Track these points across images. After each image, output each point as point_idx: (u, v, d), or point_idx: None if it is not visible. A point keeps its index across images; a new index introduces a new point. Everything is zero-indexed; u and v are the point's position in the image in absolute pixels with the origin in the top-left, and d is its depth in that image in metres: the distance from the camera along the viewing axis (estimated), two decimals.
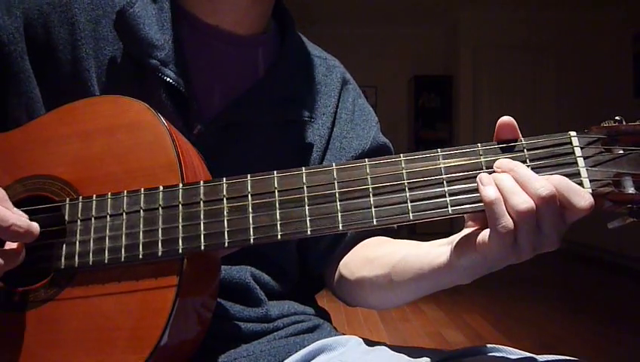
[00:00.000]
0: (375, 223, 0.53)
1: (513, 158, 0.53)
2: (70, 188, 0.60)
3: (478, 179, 0.52)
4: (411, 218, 0.53)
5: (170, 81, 0.68)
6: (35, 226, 0.56)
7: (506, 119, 0.54)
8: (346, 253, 0.77)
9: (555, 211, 0.50)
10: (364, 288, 0.72)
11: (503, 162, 0.52)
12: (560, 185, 0.50)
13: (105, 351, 0.55)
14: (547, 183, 0.50)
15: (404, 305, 0.72)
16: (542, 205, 0.49)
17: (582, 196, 0.49)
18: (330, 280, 0.79)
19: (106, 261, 0.57)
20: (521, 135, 0.55)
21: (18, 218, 0.55)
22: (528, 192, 0.50)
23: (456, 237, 0.57)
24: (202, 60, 0.74)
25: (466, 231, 0.56)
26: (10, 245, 0.56)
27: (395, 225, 0.79)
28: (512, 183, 0.51)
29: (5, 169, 0.63)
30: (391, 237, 0.78)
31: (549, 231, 0.50)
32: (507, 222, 0.50)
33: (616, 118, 0.53)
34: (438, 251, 0.59)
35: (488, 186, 0.51)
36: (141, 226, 0.57)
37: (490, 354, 0.63)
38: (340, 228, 0.54)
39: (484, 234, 0.52)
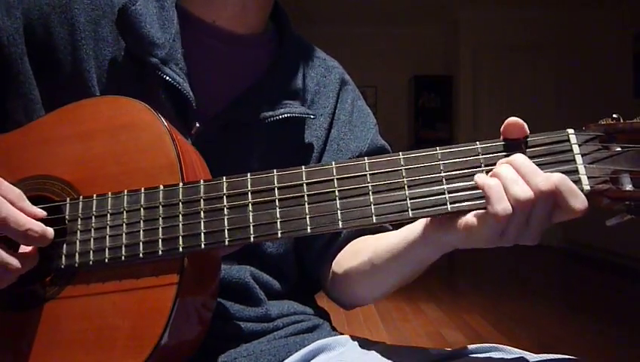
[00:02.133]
0: (374, 221, 0.53)
1: (512, 155, 0.53)
2: (71, 188, 0.60)
3: (475, 177, 0.53)
4: (410, 215, 0.53)
5: (170, 80, 0.68)
6: (50, 231, 0.57)
7: (512, 121, 0.55)
8: (339, 252, 0.77)
9: (548, 207, 0.51)
10: (352, 279, 0.73)
11: (511, 158, 0.53)
12: (560, 184, 0.50)
13: (104, 350, 0.55)
14: (547, 178, 0.50)
15: (389, 292, 0.72)
16: (539, 199, 0.50)
17: (579, 198, 0.50)
18: (325, 281, 0.79)
19: (106, 260, 0.57)
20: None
21: (34, 222, 0.56)
22: (529, 184, 0.50)
23: None
24: (202, 59, 0.74)
25: None
26: (24, 249, 0.57)
27: (390, 226, 0.80)
28: (512, 173, 0.51)
29: (5, 170, 0.63)
30: None
31: (536, 225, 0.51)
32: (507, 205, 0.50)
33: (614, 115, 0.53)
34: (412, 227, 0.62)
35: (487, 178, 0.52)
36: (141, 225, 0.57)
37: (490, 353, 0.63)
38: (340, 225, 0.54)
39: (472, 218, 0.53)
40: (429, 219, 0.58)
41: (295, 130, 0.77)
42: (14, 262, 0.54)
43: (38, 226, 0.56)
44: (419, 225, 0.61)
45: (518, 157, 0.52)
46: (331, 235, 0.77)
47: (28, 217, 0.56)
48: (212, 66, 0.74)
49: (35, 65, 0.70)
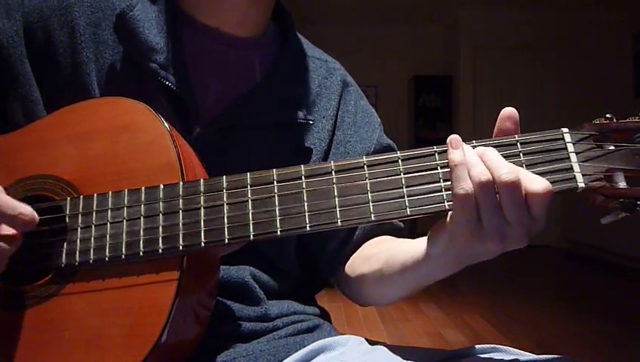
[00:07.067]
0: (373, 218, 0.54)
1: (507, 154, 0.54)
2: (71, 188, 0.61)
3: (448, 141, 0.54)
4: (408, 213, 0.54)
5: (169, 84, 0.68)
6: (37, 215, 0.58)
7: (508, 110, 0.55)
8: (353, 254, 0.77)
9: (517, 200, 0.50)
10: (364, 284, 0.73)
11: (482, 150, 0.53)
12: (518, 175, 0.50)
13: (104, 348, 0.55)
14: (513, 169, 0.50)
15: (400, 300, 0.73)
16: (504, 190, 0.50)
17: (538, 181, 0.50)
18: (340, 281, 0.80)
19: (106, 258, 0.57)
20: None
21: (25, 206, 0.56)
22: (493, 176, 0.51)
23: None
24: (202, 63, 0.74)
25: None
26: (7, 230, 0.55)
27: (401, 224, 0.81)
28: (475, 156, 0.52)
29: (5, 170, 0.63)
30: (396, 237, 0.79)
31: (513, 220, 0.51)
32: (467, 184, 0.51)
33: (607, 115, 0.54)
34: (420, 244, 0.61)
35: (456, 150, 0.52)
36: (142, 223, 0.57)
37: (490, 354, 0.63)
38: (339, 223, 0.54)
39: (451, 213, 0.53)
40: (429, 234, 0.58)
41: (296, 132, 0.77)
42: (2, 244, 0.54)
43: (29, 210, 0.57)
44: (423, 245, 0.60)
45: (488, 151, 0.53)
46: (345, 237, 0.77)
47: (18, 202, 0.57)
48: (213, 70, 0.74)
49: (35, 67, 0.70)
